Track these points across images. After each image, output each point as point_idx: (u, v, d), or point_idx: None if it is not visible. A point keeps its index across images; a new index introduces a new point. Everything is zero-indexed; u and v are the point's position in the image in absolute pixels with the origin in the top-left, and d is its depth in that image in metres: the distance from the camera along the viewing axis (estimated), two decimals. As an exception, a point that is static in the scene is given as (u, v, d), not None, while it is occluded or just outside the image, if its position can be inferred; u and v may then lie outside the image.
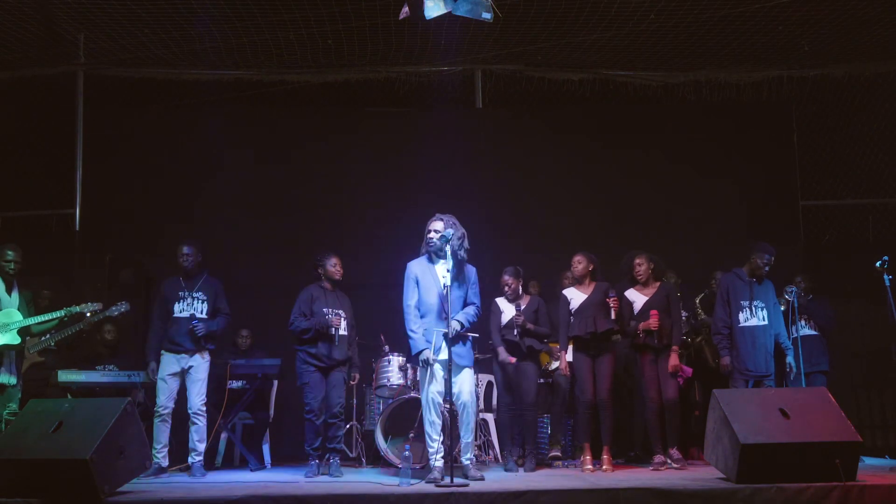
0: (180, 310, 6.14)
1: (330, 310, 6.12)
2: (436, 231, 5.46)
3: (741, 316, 6.23)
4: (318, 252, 6.34)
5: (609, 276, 6.36)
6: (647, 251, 6.29)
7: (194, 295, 6.20)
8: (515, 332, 6.16)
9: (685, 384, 6.40)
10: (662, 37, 7.86)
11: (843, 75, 8.48)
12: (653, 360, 6.08)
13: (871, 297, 6.31)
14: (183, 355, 6.09)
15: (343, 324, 6.13)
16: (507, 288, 6.29)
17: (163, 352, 6.10)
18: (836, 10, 7.36)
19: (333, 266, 6.23)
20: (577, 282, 6.26)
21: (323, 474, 5.91)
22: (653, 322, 5.99)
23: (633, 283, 6.27)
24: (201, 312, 6.18)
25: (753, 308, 6.24)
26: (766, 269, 6.27)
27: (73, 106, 8.26)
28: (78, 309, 6.21)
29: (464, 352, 5.43)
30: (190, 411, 6.08)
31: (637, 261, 6.23)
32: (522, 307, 6.25)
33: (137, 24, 7.52)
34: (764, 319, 6.22)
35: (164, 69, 8.29)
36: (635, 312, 6.17)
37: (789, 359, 6.30)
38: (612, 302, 5.98)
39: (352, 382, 6.40)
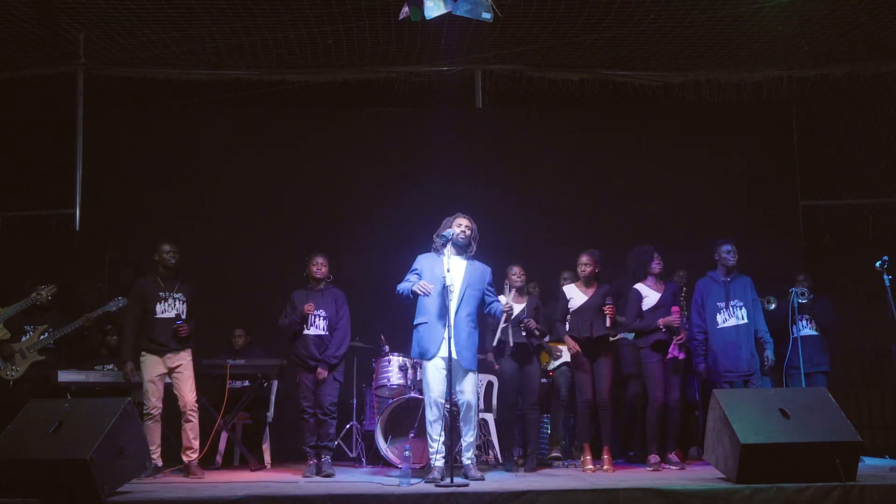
0: (162, 310, 6.10)
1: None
2: (467, 227, 5.48)
3: (719, 318, 6.22)
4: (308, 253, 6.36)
5: (608, 274, 6.37)
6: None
7: (174, 296, 6.18)
8: (523, 332, 6.15)
9: (685, 384, 6.39)
10: (662, 37, 7.86)
11: (843, 75, 8.47)
12: (661, 359, 6.06)
13: (871, 297, 6.30)
14: (168, 355, 6.07)
15: (322, 323, 6.11)
16: (515, 278, 6.28)
17: (145, 353, 6.06)
18: (836, 10, 7.36)
19: (314, 265, 6.22)
20: (581, 281, 6.25)
21: (318, 473, 5.91)
22: (675, 319, 5.98)
23: (643, 277, 6.25)
24: (183, 313, 6.17)
25: (731, 308, 6.23)
26: (732, 258, 6.29)
27: (73, 106, 8.25)
28: (43, 293, 6.34)
29: (469, 354, 5.40)
30: (184, 410, 6.07)
31: (657, 255, 6.21)
32: (523, 307, 6.24)
33: (137, 24, 7.51)
34: (744, 318, 6.20)
35: (163, 69, 8.28)
36: (646, 308, 6.14)
37: (768, 352, 6.28)
38: (607, 310, 5.98)
39: (318, 377, 6.06)
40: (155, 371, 6.04)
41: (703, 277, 6.42)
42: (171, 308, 6.13)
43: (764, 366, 6.27)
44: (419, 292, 5.31)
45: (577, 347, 6.06)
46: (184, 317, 6.14)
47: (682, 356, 6.06)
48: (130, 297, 6.25)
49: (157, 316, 6.09)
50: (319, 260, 6.25)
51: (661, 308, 6.09)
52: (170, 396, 6.15)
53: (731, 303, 6.23)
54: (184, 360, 6.12)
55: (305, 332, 6.11)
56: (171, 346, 6.07)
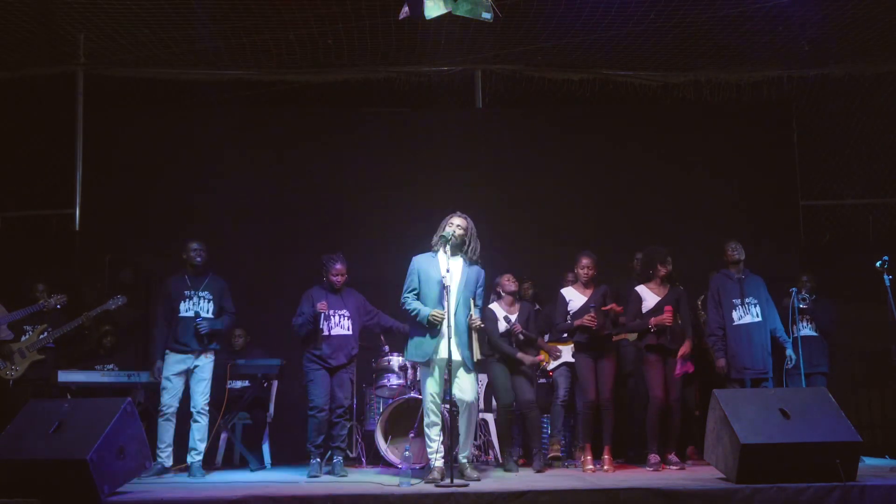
0: (186, 309, 6.13)
1: (333, 310, 6.11)
2: (458, 226, 5.42)
3: (734, 314, 6.29)
4: (326, 254, 6.29)
5: (608, 275, 6.36)
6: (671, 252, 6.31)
7: (200, 294, 6.19)
8: (512, 343, 6.19)
9: (685, 383, 6.38)
10: (662, 37, 7.86)
11: (843, 75, 8.47)
12: (658, 359, 6.04)
13: (871, 297, 6.30)
14: (189, 355, 6.09)
15: (347, 323, 6.11)
16: (507, 283, 6.31)
17: (168, 351, 6.09)
18: (836, 10, 7.35)
19: (335, 275, 6.17)
20: (581, 283, 6.25)
21: (326, 473, 5.91)
22: (667, 317, 5.96)
23: (647, 280, 6.25)
24: (207, 312, 6.17)
25: (746, 305, 6.31)
26: (737, 255, 6.39)
27: (73, 106, 8.24)
28: (52, 302, 6.43)
29: (470, 354, 5.38)
30: (193, 410, 6.08)
31: (668, 259, 6.19)
32: (515, 317, 6.27)
33: (137, 24, 7.51)
34: (758, 316, 6.27)
35: (163, 69, 8.28)
36: (645, 310, 6.13)
37: (789, 351, 6.35)
38: (614, 307, 5.97)
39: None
40: (172, 369, 6.05)
41: (717, 274, 6.50)
42: (193, 306, 6.14)
43: (786, 366, 6.32)
44: (434, 322, 5.26)
45: (594, 319, 5.93)
46: (207, 315, 6.13)
47: (691, 370, 6.05)
48: (159, 296, 6.30)
49: (181, 314, 6.11)
50: (339, 267, 6.16)
51: (657, 310, 6.10)
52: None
53: (746, 300, 6.31)
54: (202, 363, 6.13)
55: (329, 332, 6.04)
56: (191, 347, 6.08)
